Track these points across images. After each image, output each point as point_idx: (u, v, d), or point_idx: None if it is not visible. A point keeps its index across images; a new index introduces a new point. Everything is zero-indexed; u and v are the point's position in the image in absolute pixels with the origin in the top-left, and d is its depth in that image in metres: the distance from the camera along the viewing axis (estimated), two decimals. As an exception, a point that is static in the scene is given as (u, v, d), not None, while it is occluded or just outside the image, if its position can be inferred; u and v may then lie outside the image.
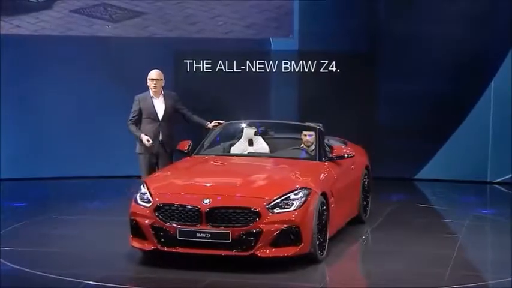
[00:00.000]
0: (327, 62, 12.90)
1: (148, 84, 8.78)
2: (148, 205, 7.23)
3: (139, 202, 7.35)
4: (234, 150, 8.75)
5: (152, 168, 8.74)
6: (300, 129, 8.81)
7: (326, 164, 8.21)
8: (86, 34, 12.89)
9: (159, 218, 7.11)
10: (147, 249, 7.23)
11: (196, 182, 7.56)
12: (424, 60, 12.71)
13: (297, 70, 13.00)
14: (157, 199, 7.20)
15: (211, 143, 8.81)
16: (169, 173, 7.94)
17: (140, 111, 8.77)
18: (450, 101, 12.68)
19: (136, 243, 7.37)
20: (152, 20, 12.98)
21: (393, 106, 12.84)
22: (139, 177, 8.80)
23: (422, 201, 11.48)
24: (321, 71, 12.93)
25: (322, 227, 7.42)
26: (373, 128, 12.94)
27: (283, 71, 13.02)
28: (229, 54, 12.93)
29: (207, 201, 7.03)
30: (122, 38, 12.93)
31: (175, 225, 7.04)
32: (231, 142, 8.93)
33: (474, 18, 12.43)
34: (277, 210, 7.01)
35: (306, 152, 8.50)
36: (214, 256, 7.08)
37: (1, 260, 7.43)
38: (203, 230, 6.97)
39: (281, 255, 7.01)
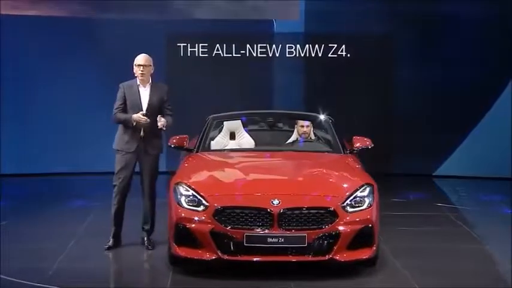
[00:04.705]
0: (336, 45, 12.50)
1: (134, 71, 7.77)
2: (201, 209, 6.70)
3: (187, 206, 6.76)
4: (214, 145, 8.26)
5: (130, 169, 7.71)
6: (294, 119, 8.65)
7: (349, 156, 7.93)
8: (66, 15, 12.27)
9: (220, 223, 6.58)
10: (205, 258, 6.67)
11: (249, 182, 7.08)
12: (446, 44, 12.34)
13: (302, 55, 12.58)
14: (213, 202, 6.67)
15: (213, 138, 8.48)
16: (203, 171, 7.30)
17: (125, 101, 7.75)
18: (474, 89, 12.35)
19: (186, 253, 6.76)
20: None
21: (410, 95, 12.49)
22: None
23: (442, 199, 10.98)
24: (330, 55, 12.52)
25: None
26: (388, 120, 12.60)
27: (287, 55, 12.60)
28: (228, 37, 12.46)
29: (276, 202, 6.58)
30: (108, 19, 12.32)
31: (242, 231, 6.53)
32: (210, 136, 8.45)
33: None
34: (350, 209, 6.72)
35: (328, 144, 8.26)
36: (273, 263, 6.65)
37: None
38: (275, 235, 6.52)
39: (358, 258, 6.74)
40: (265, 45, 12.45)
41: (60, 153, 12.16)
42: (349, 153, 7.96)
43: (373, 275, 6.81)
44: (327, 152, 8.03)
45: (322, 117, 8.48)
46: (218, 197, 6.72)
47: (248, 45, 12.42)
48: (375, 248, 6.79)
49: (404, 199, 10.67)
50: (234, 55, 12.43)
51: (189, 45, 12.39)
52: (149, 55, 7.85)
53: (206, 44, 12.37)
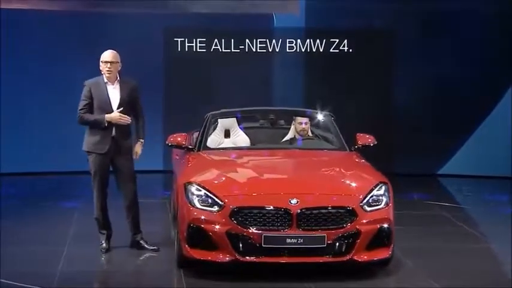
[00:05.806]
0: (337, 40, 12.34)
1: (101, 68, 7.43)
2: (215, 209, 6.54)
3: (200, 206, 6.59)
4: (209, 143, 8.04)
5: (105, 171, 7.42)
6: (294, 116, 8.41)
7: (354, 154, 7.84)
8: (61, 8, 12.05)
9: (237, 224, 6.45)
10: (220, 260, 6.52)
11: (264, 181, 6.99)
12: (449, 42, 12.21)
13: (303, 50, 12.40)
14: (229, 202, 6.53)
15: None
16: (211, 170, 7.11)
17: (91, 100, 7.44)
18: (478, 87, 12.23)
19: (199, 255, 6.58)
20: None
21: (414, 93, 12.32)
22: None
23: (447, 199, 10.89)
24: (331, 51, 12.36)
25: None
26: (391, 118, 12.46)
27: (287, 50, 12.41)
28: (227, 31, 12.26)
29: (294, 201, 6.45)
30: (104, 14, 12.08)
31: (260, 231, 6.40)
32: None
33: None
34: (368, 208, 6.64)
35: (330, 141, 8.14)
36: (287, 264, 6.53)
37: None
38: (294, 235, 6.40)
39: (377, 258, 6.67)
40: (265, 40, 12.27)
41: (59, 152, 11.88)
42: (353, 150, 7.87)
43: (389, 275, 6.77)
44: (332, 149, 7.90)
45: (323, 114, 8.36)
46: (234, 196, 6.58)
47: (247, 40, 12.23)
48: (392, 248, 6.71)
49: (407, 199, 10.53)
50: (233, 50, 12.22)
51: (186, 40, 12.15)
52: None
53: (204, 39, 12.17)
